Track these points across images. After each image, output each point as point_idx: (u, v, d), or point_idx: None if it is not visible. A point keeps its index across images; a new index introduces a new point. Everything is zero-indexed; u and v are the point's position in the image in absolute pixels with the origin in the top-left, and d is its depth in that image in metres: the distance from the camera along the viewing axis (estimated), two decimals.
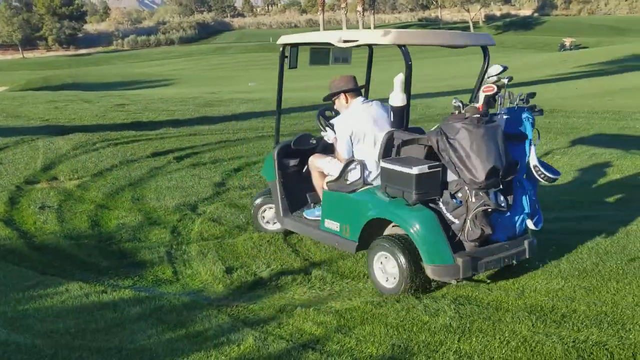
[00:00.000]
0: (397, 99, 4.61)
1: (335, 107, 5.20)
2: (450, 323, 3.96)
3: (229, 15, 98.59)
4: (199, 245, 5.66)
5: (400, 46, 4.50)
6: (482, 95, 4.42)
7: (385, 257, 4.50)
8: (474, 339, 3.73)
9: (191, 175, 7.96)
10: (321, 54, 5.35)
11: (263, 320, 4.12)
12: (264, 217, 5.87)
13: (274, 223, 5.79)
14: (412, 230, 4.28)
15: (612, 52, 39.64)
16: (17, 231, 5.94)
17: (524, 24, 79.58)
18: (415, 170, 4.16)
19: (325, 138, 5.36)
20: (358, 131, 4.83)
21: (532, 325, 3.89)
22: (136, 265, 5.32)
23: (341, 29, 78.47)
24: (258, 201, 5.88)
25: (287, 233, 5.87)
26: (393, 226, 4.64)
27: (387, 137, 4.59)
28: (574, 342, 3.66)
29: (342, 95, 5.03)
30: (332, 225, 4.92)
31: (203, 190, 7.31)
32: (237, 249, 5.61)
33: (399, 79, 4.61)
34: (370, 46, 5.63)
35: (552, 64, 32.44)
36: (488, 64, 4.92)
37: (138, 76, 38.94)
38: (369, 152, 4.82)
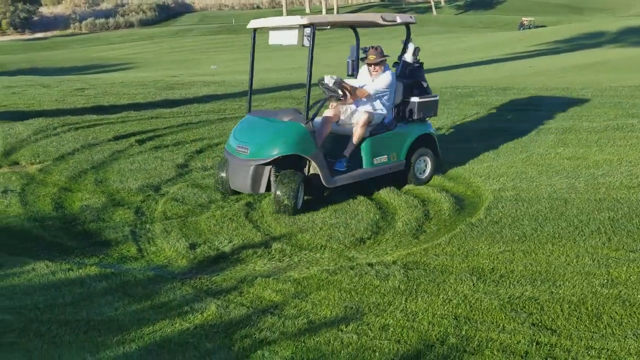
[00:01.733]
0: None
1: (377, 65, 6.73)
2: (399, 286, 4.28)
3: None
4: (162, 224, 5.84)
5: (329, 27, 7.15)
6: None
7: (423, 160, 7.14)
8: (420, 299, 4.06)
9: (154, 157, 8.08)
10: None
11: (225, 290, 4.37)
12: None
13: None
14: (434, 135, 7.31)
15: (568, 30, 40.64)
16: None
17: (485, 4, 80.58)
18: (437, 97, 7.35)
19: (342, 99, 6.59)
20: (397, 85, 6.88)
21: (473, 285, 4.24)
22: (101, 244, 5.48)
23: (304, 9, 78.05)
24: (223, 175, 6.57)
25: (247, 210, 6.11)
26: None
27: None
28: (509, 298, 4.02)
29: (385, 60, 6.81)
30: (381, 159, 6.67)
31: (166, 172, 7.46)
32: (200, 226, 5.81)
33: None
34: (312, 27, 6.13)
35: (509, 43, 33.12)
36: (408, 38, 7.33)
37: (97, 60, 38.23)
38: (393, 101, 6.89)
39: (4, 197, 6.47)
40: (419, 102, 6.98)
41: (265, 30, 6.46)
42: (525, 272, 4.43)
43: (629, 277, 4.26)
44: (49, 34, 70.75)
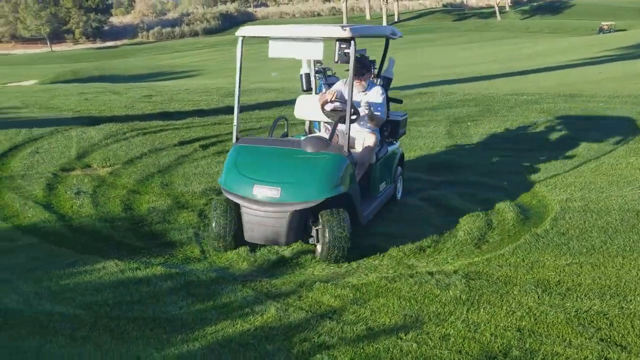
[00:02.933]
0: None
1: (365, 80, 5.90)
2: (460, 296, 4.21)
3: (252, 5, 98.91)
4: None
5: None
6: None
7: (400, 180, 6.68)
8: (482, 310, 3.98)
9: (216, 162, 8.29)
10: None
11: (284, 294, 4.42)
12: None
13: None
14: None
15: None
16: (56, 214, 6.33)
17: (552, 9, 78.10)
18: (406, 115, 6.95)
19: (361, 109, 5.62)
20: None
21: (538, 297, 4.12)
22: (167, 245, 5.67)
23: (364, 16, 78.12)
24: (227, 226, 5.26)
25: None
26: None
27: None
28: (576, 312, 3.88)
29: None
30: (382, 185, 6.11)
31: None
32: None
33: None
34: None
35: (577, 49, 31.98)
36: (386, 51, 6.57)
37: (163, 68, 39.55)
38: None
39: (77, 198, 6.80)
40: (401, 120, 6.52)
41: (259, 40, 5.72)
42: (593, 285, 4.27)
43: None
44: (118, 42, 73.83)
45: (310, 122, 6.72)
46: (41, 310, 4.13)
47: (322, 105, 5.69)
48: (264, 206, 4.98)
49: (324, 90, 6.45)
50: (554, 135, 9.32)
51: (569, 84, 15.85)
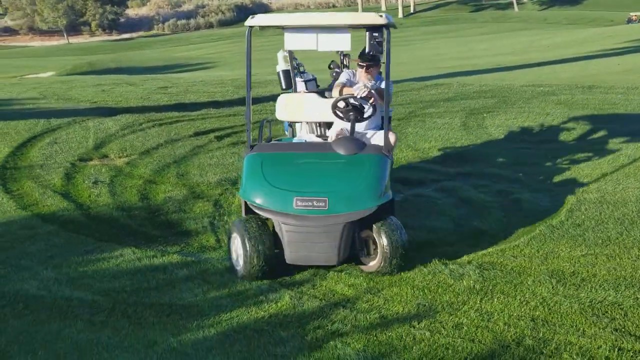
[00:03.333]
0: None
1: (373, 74, 5.23)
2: (474, 285, 4.22)
3: None
4: (239, 216, 6.01)
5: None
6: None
7: None
8: (495, 300, 3.99)
9: (231, 153, 8.34)
10: None
11: (298, 283, 4.46)
12: None
13: None
14: None
15: None
16: (74, 203, 6.43)
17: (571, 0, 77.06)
18: None
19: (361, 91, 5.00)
20: None
21: (552, 287, 4.11)
22: (182, 234, 5.74)
23: (380, 7, 77.66)
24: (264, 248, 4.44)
25: None
26: None
27: None
28: (590, 302, 3.87)
29: None
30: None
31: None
32: None
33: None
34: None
35: (596, 40, 31.55)
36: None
37: (179, 60, 39.73)
38: None
39: (95, 188, 6.89)
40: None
41: (277, 31, 5.25)
42: (608, 276, 4.25)
43: None
44: (134, 34, 74.21)
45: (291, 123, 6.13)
46: (60, 295, 4.22)
47: (335, 103, 4.97)
48: (310, 221, 4.29)
49: (300, 88, 6.18)
50: (570, 127, 9.24)
51: (587, 75, 15.67)
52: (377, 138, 5.14)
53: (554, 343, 3.43)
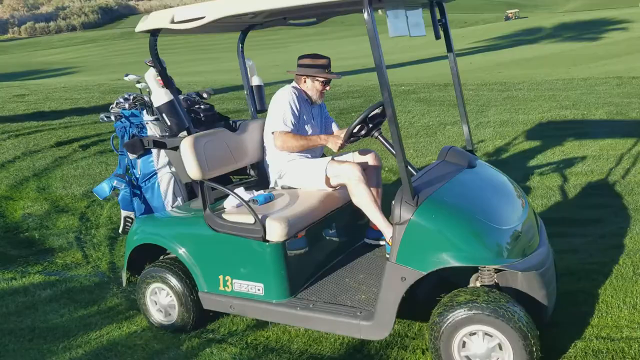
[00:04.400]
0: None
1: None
2: None
3: None
4: (108, 229, 5.78)
5: None
6: None
7: None
8: None
9: (98, 162, 7.95)
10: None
11: None
12: None
13: None
14: None
15: (506, 26, 41.90)
16: None
17: None
18: None
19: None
20: None
21: None
22: (45, 251, 5.39)
23: None
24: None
25: None
26: None
27: None
28: None
29: None
30: None
31: None
32: None
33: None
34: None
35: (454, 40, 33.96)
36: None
37: (39, 65, 37.11)
38: None
39: None
40: None
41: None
42: None
43: None
44: None
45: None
46: None
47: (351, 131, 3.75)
48: (545, 259, 3.10)
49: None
50: (432, 122, 9.89)
51: (443, 74, 16.82)
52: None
53: None
